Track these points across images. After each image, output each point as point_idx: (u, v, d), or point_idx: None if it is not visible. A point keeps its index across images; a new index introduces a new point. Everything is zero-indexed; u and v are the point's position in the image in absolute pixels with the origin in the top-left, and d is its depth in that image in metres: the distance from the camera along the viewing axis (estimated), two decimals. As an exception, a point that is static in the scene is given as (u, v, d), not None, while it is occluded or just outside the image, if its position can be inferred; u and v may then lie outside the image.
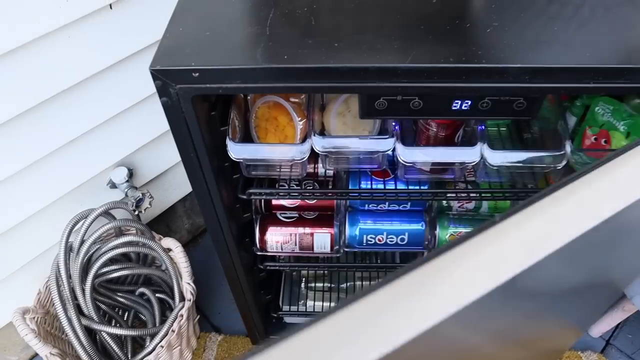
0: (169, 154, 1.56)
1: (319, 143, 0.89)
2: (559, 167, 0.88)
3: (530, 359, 1.07)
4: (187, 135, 0.82)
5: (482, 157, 0.88)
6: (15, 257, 1.36)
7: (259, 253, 1.15)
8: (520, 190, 0.99)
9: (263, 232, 1.13)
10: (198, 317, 1.59)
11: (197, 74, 0.72)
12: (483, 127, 0.90)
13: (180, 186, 1.69)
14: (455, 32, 0.77)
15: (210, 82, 0.73)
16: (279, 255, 1.28)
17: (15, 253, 1.35)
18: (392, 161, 1.08)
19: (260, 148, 0.91)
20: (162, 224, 1.74)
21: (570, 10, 0.81)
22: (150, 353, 1.36)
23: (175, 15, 0.80)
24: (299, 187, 1.06)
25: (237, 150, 0.88)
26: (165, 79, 0.73)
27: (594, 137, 0.92)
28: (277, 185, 1.10)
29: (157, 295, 1.55)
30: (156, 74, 0.72)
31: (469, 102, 0.77)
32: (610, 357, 1.56)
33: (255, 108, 0.97)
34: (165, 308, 1.57)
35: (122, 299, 1.55)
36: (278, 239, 1.12)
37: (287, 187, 1.06)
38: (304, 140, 0.91)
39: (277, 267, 1.29)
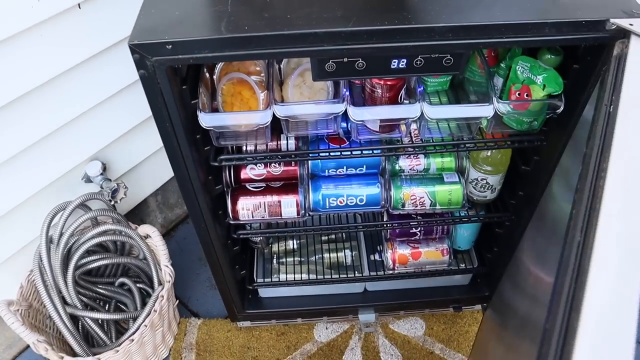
0: (140, 148, 1.67)
1: (280, 109, 1.02)
2: (489, 117, 1.04)
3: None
4: (163, 105, 0.94)
5: (422, 113, 1.02)
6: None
7: (232, 222, 1.28)
8: (460, 142, 1.14)
9: (234, 202, 1.25)
10: (177, 301, 1.69)
11: (170, 46, 0.85)
12: (422, 88, 1.06)
13: (152, 179, 1.80)
14: (390, 2, 0.92)
15: (182, 53, 0.86)
16: (250, 225, 1.40)
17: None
18: (346, 131, 1.23)
19: (228, 116, 1.04)
20: (137, 218, 1.83)
21: (486, -18, 0.97)
22: (134, 333, 1.45)
23: (146, 0, 0.93)
24: (265, 152, 1.19)
25: (207, 120, 1.01)
26: (142, 52, 0.85)
27: (518, 92, 1.08)
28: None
29: (137, 285, 1.64)
30: (134, 48, 0.85)
31: (405, 61, 0.91)
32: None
33: (221, 85, 1.10)
34: (145, 297, 1.67)
35: (103, 290, 1.63)
36: (249, 207, 1.25)
37: (253, 156, 1.18)
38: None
39: (249, 235, 1.41)
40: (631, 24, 0.86)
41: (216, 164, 1.13)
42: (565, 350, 0.46)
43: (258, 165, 1.27)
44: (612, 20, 0.87)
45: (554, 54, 1.02)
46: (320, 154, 1.17)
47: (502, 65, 1.14)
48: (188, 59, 0.87)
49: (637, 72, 0.75)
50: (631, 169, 0.59)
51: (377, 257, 1.57)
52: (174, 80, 0.93)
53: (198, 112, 1.02)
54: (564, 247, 0.56)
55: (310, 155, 1.17)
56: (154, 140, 1.69)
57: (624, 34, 0.86)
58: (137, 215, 1.83)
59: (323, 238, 1.61)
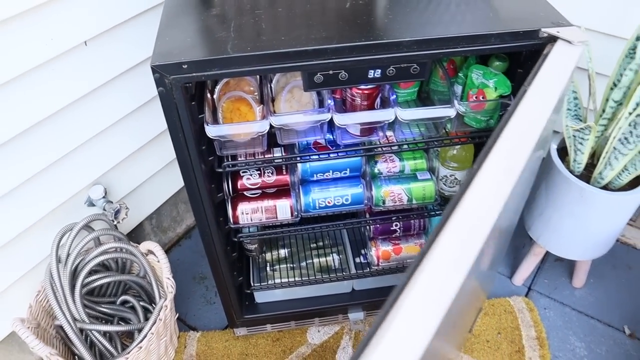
0: (138, 173, 1.83)
1: (275, 119, 1.22)
2: (452, 117, 1.25)
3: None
4: (177, 118, 1.12)
5: (396, 116, 1.23)
6: (3, 277, 1.55)
7: (232, 226, 1.45)
8: (430, 140, 1.35)
9: (235, 208, 1.42)
10: (177, 315, 1.82)
11: (185, 66, 1.04)
12: (394, 96, 1.27)
13: (147, 204, 1.96)
14: (364, 24, 1.14)
15: (196, 72, 1.05)
16: (248, 228, 1.57)
17: (1, 274, 1.55)
18: (330, 141, 1.42)
19: (231, 126, 1.22)
20: (133, 241, 1.97)
21: (442, 5, 1.20)
22: (142, 340, 1.58)
23: (160, 30, 1.13)
24: (261, 157, 1.37)
25: (213, 130, 1.20)
26: (162, 72, 1.04)
27: (475, 96, 1.30)
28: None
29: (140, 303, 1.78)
30: (155, 69, 1.03)
31: (380, 70, 1.12)
32: (533, 298, 1.93)
33: (222, 104, 1.29)
34: (147, 313, 1.80)
35: (106, 309, 1.76)
36: (247, 211, 1.42)
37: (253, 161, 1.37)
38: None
39: (248, 237, 1.58)
40: (558, 32, 1.09)
41: (220, 170, 1.31)
42: (433, 242, 0.67)
43: (253, 175, 1.45)
44: (543, 29, 1.10)
45: (501, 60, 1.25)
46: (311, 157, 1.36)
47: (460, 74, 1.37)
48: (200, 76, 1.06)
49: (553, 61, 0.99)
50: (520, 126, 0.83)
51: (362, 259, 1.75)
52: (186, 96, 1.12)
53: (205, 125, 1.20)
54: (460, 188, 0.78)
55: (302, 158, 1.36)
56: (149, 166, 1.86)
57: (554, 40, 1.09)
58: (133, 238, 1.97)
59: (312, 245, 1.79)
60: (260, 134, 1.22)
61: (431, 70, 1.40)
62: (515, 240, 2.13)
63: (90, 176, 1.67)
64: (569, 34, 1.09)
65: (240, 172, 1.45)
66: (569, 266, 2.02)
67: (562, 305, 1.91)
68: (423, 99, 1.48)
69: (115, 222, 1.70)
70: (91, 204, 1.71)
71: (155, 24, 1.18)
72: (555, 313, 1.89)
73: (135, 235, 1.98)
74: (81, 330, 1.61)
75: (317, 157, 1.35)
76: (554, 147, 1.68)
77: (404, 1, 1.21)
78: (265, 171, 1.46)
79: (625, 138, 1.48)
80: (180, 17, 1.18)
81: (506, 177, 0.75)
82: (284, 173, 1.47)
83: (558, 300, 1.93)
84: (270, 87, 1.34)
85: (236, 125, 1.23)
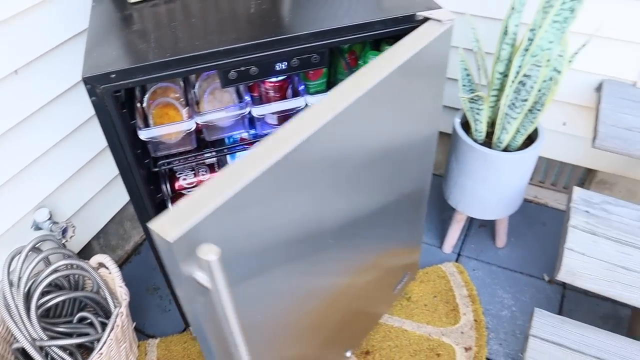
0: (79, 195, 1.95)
1: (200, 118, 1.39)
2: (356, 98, 1.45)
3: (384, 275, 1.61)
4: (111, 124, 1.27)
5: (306, 103, 1.43)
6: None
7: (175, 224, 1.59)
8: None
9: (175, 206, 1.57)
10: (135, 324, 1.94)
11: (113, 75, 1.20)
12: (303, 86, 1.47)
13: (93, 223, 2.07)
14: (268, 24, 1.33)
15: (123, 79, 1.21)
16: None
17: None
18: (254, 135, 1.60)
19: (161, 128, 1.38)
20: (82, 262, 2.08)
21: (337, 2, 1.41)
22: (102, 347, 1.70)
23: (87, 49, 1.28)
24: (194, 159, 1.53)
25: (145, 133, 1.35)
26: (93, 83, 1.19)
27: (375, 79, 1.52)
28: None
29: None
30: (87, 80, 1.19)
31: (285, 63, 1.32)
32: (463, 262, 2.16)
33: (151, 110, 1.45)
34: (105, 326, 1.90)
35: (64, 329, 1.86)
36: (188, 208, 1.58)
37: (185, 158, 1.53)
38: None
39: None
40: (431, 14, 1.32)
41: (157, 169, 1.47)
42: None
43: (189, 175, 1.61)
44: (418, 13, 1.32)
45: (390, 44, 1.47)
46: (237, 148, 1.53)
47: (360, 63, 1.58)
48: (128, 84, 1.22)
49: (415, 34, 1.25)
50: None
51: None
52: (117, 105, 1.27)
53: (137, 130, 1.36)
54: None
55: (229, 149, 1.54)
56: (90, 186, 1.99)
57: (427, 20, 1.32)
58: (83, 258, 2.08)
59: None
60: (188, 131, 1.39)
61: (337, 62, 1.61)
62: (442, 214, 2.36)
63: (34, 200, 1.78)
64: (439, 14, 1.32)
65: (177, 174, 1.61)
66: (491, 230, 2.26)
67: (488, 265, 2.14)
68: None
69: (63, 241, 1.81)
70: (37, 227, 1.82)
71: (82, 49, 1.34)
72: (483, 272, 2.12)
73: (85, 256, 2.09)
74: (41, 349, 1.71)
75: (242, 147, 1.53)
76: (457, 121, 1.92)
77: (303, 2, 1.42)
78: (200, 170, 1.62)
79: (513, 103, 1.73)
80: (104, 36, 1.34)
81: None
82: (217, 170, 1.63)
83: (484, 260, 2.16)
84: (194, 92, 1.51)
85: (166, 126, 1.39)
